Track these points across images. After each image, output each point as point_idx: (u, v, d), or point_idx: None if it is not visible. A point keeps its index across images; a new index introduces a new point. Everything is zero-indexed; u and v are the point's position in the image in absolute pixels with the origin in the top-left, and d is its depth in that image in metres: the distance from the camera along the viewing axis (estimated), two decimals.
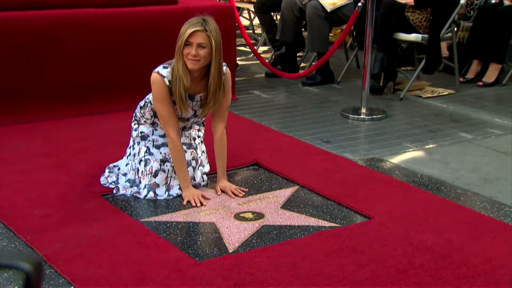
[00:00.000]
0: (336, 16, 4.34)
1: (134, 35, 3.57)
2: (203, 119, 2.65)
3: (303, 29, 4.63)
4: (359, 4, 3.72)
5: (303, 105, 3.90)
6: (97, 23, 3.47)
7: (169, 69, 2.33)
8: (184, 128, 2.55)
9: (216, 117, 2.47)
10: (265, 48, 5.53)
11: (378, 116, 3.64)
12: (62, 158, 2.80)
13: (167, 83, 2.32)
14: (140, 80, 3.39)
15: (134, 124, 2.56)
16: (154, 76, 2.33)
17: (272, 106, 3.88)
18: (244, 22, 5.90)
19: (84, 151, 2.89)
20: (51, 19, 3.36)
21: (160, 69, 2.34)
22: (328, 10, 4.28)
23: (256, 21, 5.78)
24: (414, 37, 4.06)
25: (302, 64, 4.91)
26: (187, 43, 2.26)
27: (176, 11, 3.65)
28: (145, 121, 2.53)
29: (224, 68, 2.39)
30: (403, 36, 4.08)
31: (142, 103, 2.52)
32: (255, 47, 4.97)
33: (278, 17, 5.40)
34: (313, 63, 4.65)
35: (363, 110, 3.65)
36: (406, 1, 4.09)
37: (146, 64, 3.41)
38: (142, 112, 2.51)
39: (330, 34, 4.71)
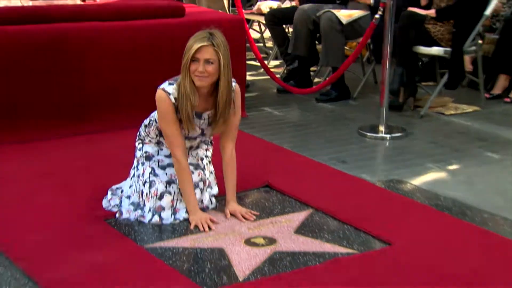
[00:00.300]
0: (352, 29, 4.37)
1: (138, 49, 3.61)
2: (211, 138, 2.67)
3: (317, 42, 4.66)
4: (376, 16, 3.74)
5: (317, 122, 3.91)
6: (100, 37, 3.51)
7: (175, 86, 2.35)
8: (191, 148, 2.56)
9: (225, 136, 2.49)
10: (277, 62, 5.56)
11: (398, 134, 3.64)
12: (62, 179, 2.82)
13: (173, 100, 2.34)
14: (145, 97, 3.40)
15: (138, 144, 2.58)
16: (159, 93, 2.36)
17: (284, 124, 3.89)
18: (254, 35, 5.96)
19: (86, 172, 2.91)
20: (52, 33, 3.40)
21: (165, 85, 2.37)
22: (344, 22, 4.31)
23: (267, 33, 5.82)
24: (435, 50, 4.07)
25: (316, 79, 4.93)
26: (193, 59, 2.28)
27: (183, 24, 3.70)
28: (149, 141, 2.54)
29: (233, 84, 2.42)
30: (424, 49, 4.09)
31: (146, 121, 2.54)
32: (266, 62, 5.00)
33: (291, 29, 5.44)
34: (327, 78, 4.67)
35: (382, 128, 3.65)
36: (427, 12, 4.11)
37: (151, 80, 3.42)
38: (146, 131, 2.53)
39: (346, 48, 4.73)
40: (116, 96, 3.60)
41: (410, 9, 4.15)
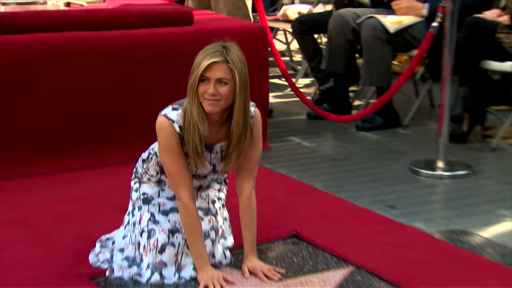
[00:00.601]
0: (402, 39, 4.40)
1: (136, 65, 3.67)
2: (225, 175, 2.70)
3: (357, 56, 4.69)
4: (434, 23, 3.77)
5: (358, 156, 3.93)
6: (89, 50, 3.57)
7: (180, 112, 2.39)
8: (200, 188, 2.59)
9: (242, 173, 2.51)
10: (307, 80, 5.61)
11: (461, 172, 3.63)
12: (39, 228, 2.85)
13: (178, 129, 2.38)
14: (144, 124, 3.42)
15: (135, 183, 2.62)
16: (160, 120, 2.40)
17: (316, 158, 3.91)
18: (279, 46, 6.01)
19: (69, 219, 2.94)
20: (28, 46, 3.46)
21: (168, 111, 2.41)
22: (391, 30, 4.35)
23: (295, 45, 5.88)
24: (509, 66, 4.08)
25: (357, 102, 4.95)
26: (203, 79, 2.32)
27: (190, 35, 3.76)
28: (148, 179, 2.58)
29: (252, 109, 2.45)
30: (495, 65, 4.10)
31: (145, 155, 2.58)
32: (294, 80, 5.03)
33: (324, 40, 5.48)
34: (371, 101, 4.68)
35: (440, 164, 3.65)
36: (500, 19, 4.12)
37: (151, 103, 3.46)
38: (145, 167, 2.57)
39: (394, 63, 4.76)
40: (107, 123, 3.65)
41: (477, 15, 4.17)
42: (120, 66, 3.64)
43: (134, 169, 2.63)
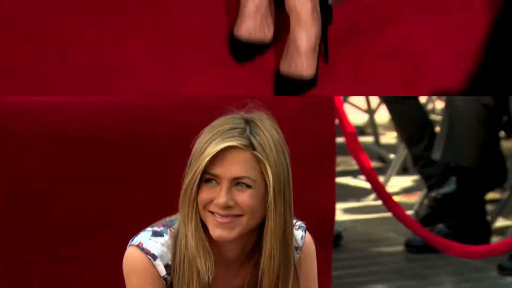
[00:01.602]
0: None
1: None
2: None
3: (502, 135, 4.70)
4: None
5: None
6: None
7: (167, 239, 2.40)
8: None
9: None
10: (406, 180, 5.65)
11: None
12: None
13: (163, 271, 2.38)
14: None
15: None
16: (131, 255, 2.40)
17: None
18: (356, 117, 6.04)
19: None
20: None
21: (145, 238, 2.40)
22: None
23: (383, 115, 5.92)
24: None
25: (501, 222, 4.94)
26: (208, 178, 2.33)
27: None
28: None
29: (299, 233, 2.47)
30: None
31: None
32: (382, 179, 5.06)
33: (439, 105, 5.51)
34: None
35: None
36: None
37: (122, 213, 3.53)
38: None
39: None
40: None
41: None
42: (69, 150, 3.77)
43: None
